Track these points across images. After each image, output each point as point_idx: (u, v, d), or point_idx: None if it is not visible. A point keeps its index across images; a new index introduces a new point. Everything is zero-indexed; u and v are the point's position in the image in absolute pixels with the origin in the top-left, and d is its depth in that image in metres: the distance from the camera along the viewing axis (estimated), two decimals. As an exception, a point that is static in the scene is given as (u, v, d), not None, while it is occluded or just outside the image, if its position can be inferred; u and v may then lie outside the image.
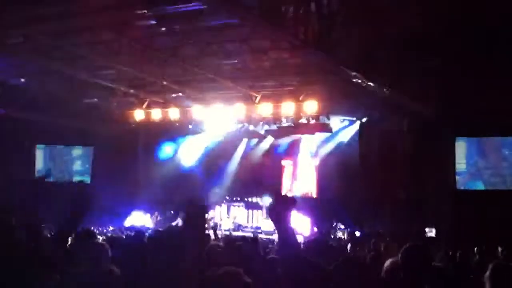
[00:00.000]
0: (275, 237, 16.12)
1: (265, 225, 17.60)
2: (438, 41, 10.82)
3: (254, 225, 18.24)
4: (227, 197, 19.10)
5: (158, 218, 18.95)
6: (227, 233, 15.75)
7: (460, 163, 15.61)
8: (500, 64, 11.76)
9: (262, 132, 17.77)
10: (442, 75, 12.27)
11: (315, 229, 16.74)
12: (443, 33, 10.43)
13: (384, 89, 12.46)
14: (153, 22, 10.75)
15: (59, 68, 13.03)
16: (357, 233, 15.60)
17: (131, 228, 16.39)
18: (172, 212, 19.01)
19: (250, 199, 18.91)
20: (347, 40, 10.46)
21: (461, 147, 15.63)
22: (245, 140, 19.31)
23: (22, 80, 14.52)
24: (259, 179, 18.43)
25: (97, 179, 18.91)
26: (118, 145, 18.55)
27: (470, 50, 11.46)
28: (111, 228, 16.34)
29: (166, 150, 19.69)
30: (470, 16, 10.11)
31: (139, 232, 7.44)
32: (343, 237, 15.86)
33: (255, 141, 19.21)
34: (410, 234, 14.31)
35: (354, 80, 11.72)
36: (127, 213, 18.73)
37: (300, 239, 15.43)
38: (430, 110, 14.35)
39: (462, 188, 15.51)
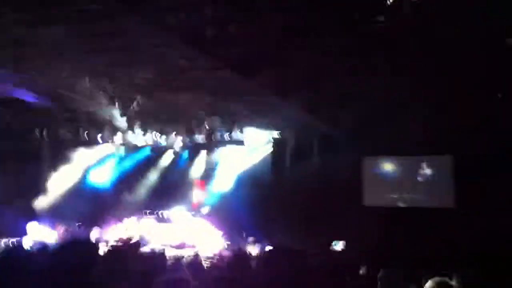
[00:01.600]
0: (182, 252, 16.06)
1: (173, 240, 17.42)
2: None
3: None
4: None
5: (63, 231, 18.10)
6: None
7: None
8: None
9: (177, 148, 17.61)
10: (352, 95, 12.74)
11: (227, 244, 16.77)
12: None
13: (299, 111, 12.76)
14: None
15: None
16: (268, 248, 15.82)
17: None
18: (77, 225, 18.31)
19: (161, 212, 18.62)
20: (269, 65, 10.58)
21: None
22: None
23: None
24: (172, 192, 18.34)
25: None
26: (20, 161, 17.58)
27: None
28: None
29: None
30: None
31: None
32: (253, 252, 16.04)
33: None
34: (319, 248, 14.81)
35: (272, 102, 11.89)
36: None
37: (211, 254, 15.46)
38: (339, 130, 14.95)
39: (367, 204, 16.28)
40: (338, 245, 15.65)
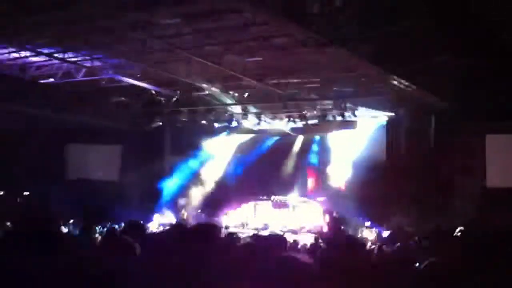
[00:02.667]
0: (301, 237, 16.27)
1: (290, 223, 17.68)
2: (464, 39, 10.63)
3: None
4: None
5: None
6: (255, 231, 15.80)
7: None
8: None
9: (287, 130, 17.78)
10: (471, 73, 12.05)
11: (342, 226, 16.68)
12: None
13: (410, 87, 12.32)
14: (178, 20, 10.87)
15: (87, 68, 13.29)
16: (385, 233, 15.48)
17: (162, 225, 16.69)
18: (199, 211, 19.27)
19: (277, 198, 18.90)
20: (370, 38, 10.37)
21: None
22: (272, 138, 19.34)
23: (52, 80, 14.79)
24: (287, 177, 18.58)
25: (125, 178, 19.24)
26: (145, 144, 18.82)
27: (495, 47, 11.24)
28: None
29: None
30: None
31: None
32: (369, 237, 15.78)
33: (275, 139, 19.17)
34: (438, 232, 14.15)
35: (379, 76, 11.62)
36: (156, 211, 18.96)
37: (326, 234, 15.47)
38: (456, 107, 14.14)
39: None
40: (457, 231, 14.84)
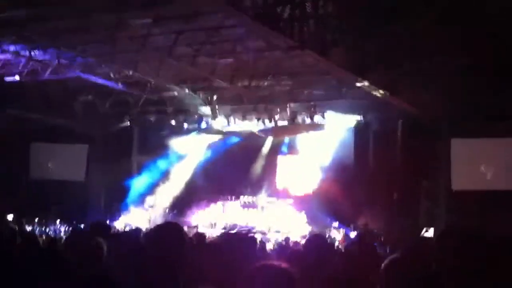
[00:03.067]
0: (270, 237, 16.39)
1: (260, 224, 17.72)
2: (431, 42, 10.83)
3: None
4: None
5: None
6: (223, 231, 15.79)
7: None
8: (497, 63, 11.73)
9: (256, 131, 17.80)
10: (436, 76, 12.28)
11: (310, 227, 16.82)
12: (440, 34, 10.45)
13: (379, 91, 12.50)
14: (149, 21, 10.77)
15: (54, 67, 13.04)
16: (352, 234, 15.69)
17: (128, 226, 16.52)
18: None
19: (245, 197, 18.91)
20: (342, 42, 10.48)
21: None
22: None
23: (17, 78, 14.45)
24: (255, 177, 18.62)
25: (91, 178, 18.99)
26: (112, 144, 18.60)
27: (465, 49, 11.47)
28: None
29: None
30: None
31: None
32: (337, 237, 15.98)
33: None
34: (404, 234, 14.43)
35: (349, 80, 11.75)
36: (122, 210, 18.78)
37: (295, 237, 15.58)
38: (424, 111, 14.43)
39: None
40: (428, 232, 15.12)
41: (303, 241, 10.44)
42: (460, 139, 15.52)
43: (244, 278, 2.81)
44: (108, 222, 16.06)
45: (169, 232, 4.06)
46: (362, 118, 16.06)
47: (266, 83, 14.48)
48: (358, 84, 12.01)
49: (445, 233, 3.89)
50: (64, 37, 11.27)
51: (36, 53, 12.74)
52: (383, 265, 3.83)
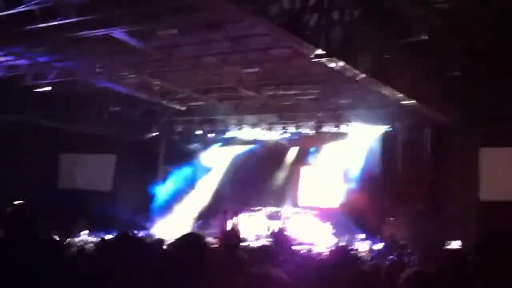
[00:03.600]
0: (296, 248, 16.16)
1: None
2: (458, 50, 10.73)
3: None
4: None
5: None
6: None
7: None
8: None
9: (283, 141, 17.77)
10: (465, 84, 12.14)
11: (336, 239, 16.63)
12: (463, 43, 10.37)
13: (407, 99, 12.38)
14: (175, 31, 10.89)
15: (85, 77, 13.27)
16: (378, 245, 15.47)
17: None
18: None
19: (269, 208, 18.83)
20: (368, 49, 10.43)
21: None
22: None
23: (48, 88, 14.75)
24: (279, 186, 18.53)
25: (118, 188, 19.16)
26: (140, 154, 18.77)
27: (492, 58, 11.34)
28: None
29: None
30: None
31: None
32: (363, 249, 15.75)
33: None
34: (431, 245, 14.16)
35: (376, 89, 11.68)
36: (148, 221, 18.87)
37: (320, 249, 15.38)
38: (453, 120, 14.23)
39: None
40: (453, 244, 14.84)
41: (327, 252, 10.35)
42: (489, 148, 15.25)
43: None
44: (134, 232, 16.26)
45: (191, 243, 4.07)
46: (389, 127, 15.90)
47: (292, 92, 14.50)
48: (385, 92, 11.91)
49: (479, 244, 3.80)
50: (92, 47, 11.45)
51: (64, 63, 13.00)
52: (403, 276, 3.77)
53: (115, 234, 7.22)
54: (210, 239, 11.76)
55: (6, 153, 16.39)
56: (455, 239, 14.83)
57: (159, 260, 4.54)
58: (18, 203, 17.86)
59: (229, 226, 18.19)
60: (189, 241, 4.20)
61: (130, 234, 6.04)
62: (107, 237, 13.33)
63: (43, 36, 10.74)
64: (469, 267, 3.80)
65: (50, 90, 14.09)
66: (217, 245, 9.11)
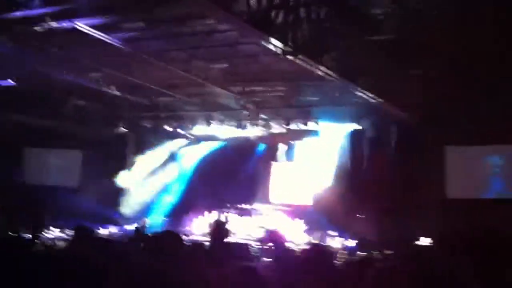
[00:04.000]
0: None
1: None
2: (423, 50, 10.81)
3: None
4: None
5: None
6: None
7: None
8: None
9: (252, 137, 17.73)
10: (428, 83, 12.24)
11: (308, 236, 16.68)
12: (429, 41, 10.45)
13: (373, 97, 12.45)
14: (141, 24, 10.73)
15: (47, 70, 12.97)
16: (349, 242, 15.57)
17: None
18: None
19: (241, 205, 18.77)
20: (334, 47, 10.44)
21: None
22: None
23: (11, 82, 14.40)
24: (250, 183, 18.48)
25: (85, 184, 18.87)
26: (106, 150, 18.51)
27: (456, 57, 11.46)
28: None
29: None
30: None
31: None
32: (336, 246, 15.81)
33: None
34: (398, 243, 14.29)
35: (343, 87, 11.71)
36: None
37: (292, 246, 15.38)
38: (418, 118, 14.37)
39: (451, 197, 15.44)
40: (421, 241, 15.00)
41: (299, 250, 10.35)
42: (454, 146, 15.46)
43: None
44: (99, 228, 16.08)
45: (167, 240, 4.01)
46: (356, 124, 15.99)
47: (259, 88, 14.44)
48: (351, 90, 11.95)
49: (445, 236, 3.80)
50: (55, 40, 11.20)
51: (27, 56, 12.68)
52: (373, 273, 3.75)
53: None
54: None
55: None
56: (421, 236, 15.04)
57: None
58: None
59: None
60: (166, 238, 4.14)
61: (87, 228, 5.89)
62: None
63: (5, 28, 10.48)
64: (435, 264, 3.82)
65: (14, 84, 13.75)
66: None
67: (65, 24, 10.03)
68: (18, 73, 13.78)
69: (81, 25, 10.00)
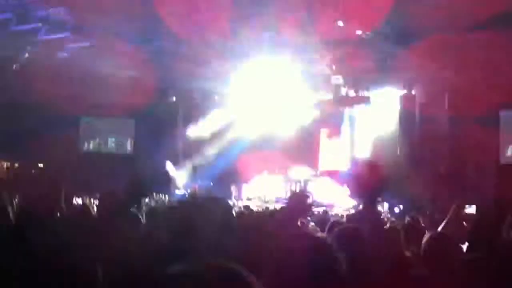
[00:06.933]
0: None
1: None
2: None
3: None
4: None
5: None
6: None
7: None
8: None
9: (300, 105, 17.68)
10: (482, 47, 11.89)
11: (354, 201, 16.68)
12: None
13: (423, 63, 12.22)
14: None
15: (101, 43, 13.31)
16: (397, 209, 15.53)
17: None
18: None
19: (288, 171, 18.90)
20: (385, 13, 10.27)
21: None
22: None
23: (66, 55, 14.85)
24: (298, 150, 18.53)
25: (139, 151, 19.40)
26: (158, 118, 18.93)
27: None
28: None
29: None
30: None
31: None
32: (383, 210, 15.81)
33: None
34: (449, 208, 14.14)
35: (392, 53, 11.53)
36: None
37: (340, 211, 15.49)
38: (471, 83, 14.02)
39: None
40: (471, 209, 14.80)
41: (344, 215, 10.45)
42: (509, 111, 15.05)
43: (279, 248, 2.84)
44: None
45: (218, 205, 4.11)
46: (408, 91, 15.75)
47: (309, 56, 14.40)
48: (403, 55, 11.77)
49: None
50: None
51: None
52: (424, 241, 3.80)
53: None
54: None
55: (27, 119, 16.64)
56: (473, 203, 14.83)
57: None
58: (41, 167, 18.35)
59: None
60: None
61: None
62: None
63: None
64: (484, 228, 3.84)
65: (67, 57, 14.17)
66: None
67: None
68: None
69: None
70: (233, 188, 18.92)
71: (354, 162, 12.96)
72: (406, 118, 16.20)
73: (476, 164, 14.97)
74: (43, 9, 11.69)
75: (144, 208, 6.22)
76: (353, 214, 9.25)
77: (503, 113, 15.12)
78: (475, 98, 14.51)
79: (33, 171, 18.54)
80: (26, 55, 14.61)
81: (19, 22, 12.48)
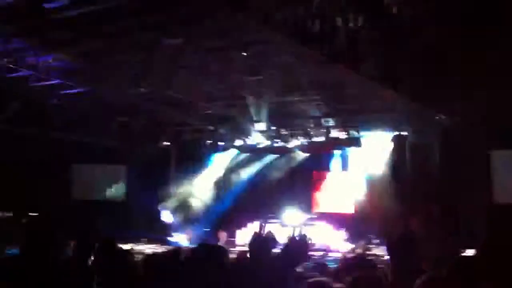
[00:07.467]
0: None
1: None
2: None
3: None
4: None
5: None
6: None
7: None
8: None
9: (291, 146, 17.69)
10: (471, 88, 12.02)
11: (351, 245, 16.48)
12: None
13: (414, 103, 12.31)
14: (180, 41, 10.91)
15: (90, 88, 13.35)
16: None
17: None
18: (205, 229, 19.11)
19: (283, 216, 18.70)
20: (372, 55, 10.39)
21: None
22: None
23: (56, 101, 14.86)
24: (292, 194, 18.40)
25: (132, 198, 19.22)
26: (150, 164, 18.85)
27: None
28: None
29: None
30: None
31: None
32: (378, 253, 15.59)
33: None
34: (444, 250, 13.98)
35: (382, 94, 11.61)
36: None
37: (336, 255, 15.26)
38: (462, 123, 14.10)
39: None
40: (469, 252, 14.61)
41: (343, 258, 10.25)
42: (500, 150, 15.09)
43: None
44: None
45: (210, 252, 4.00)
46: (398, 131, 15.79)
47: (298, 99, 14.46)
48: (390, 96, 11.85)
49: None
50: (97, 58, 11.53)
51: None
52: (419, 281, 3.70)
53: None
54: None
55: (17, 168, 16.53)
56: (467, 242, 14.66)
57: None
58: (32, 216, 18.10)
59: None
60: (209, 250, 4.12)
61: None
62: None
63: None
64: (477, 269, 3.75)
65: (57, 103, 14.19)
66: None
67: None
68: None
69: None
70: (226, 235, 18.67)
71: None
72: (396, 159, 16.21)
73: (468, 204, 14.87)
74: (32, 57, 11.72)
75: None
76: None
77: (494, 153, 15.16)
78: (466, 138, 14.60)
79: (23, 220, 18.26)
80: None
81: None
